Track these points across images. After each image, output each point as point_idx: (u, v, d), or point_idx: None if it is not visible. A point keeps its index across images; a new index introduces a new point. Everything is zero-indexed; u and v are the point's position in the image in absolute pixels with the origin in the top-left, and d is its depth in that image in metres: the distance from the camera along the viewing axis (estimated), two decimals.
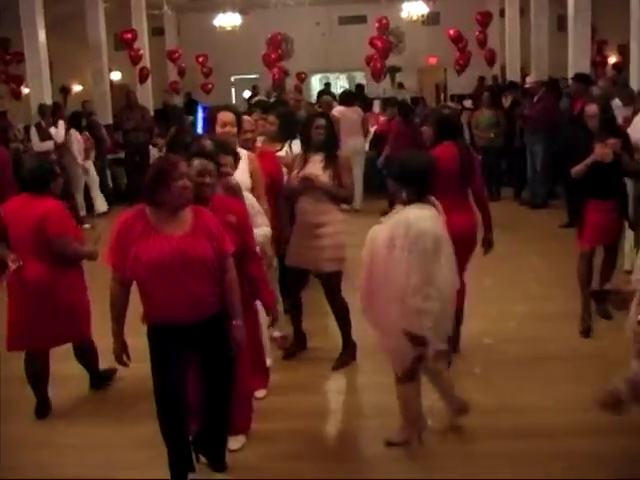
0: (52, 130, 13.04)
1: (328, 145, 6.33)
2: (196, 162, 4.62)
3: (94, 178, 13.72)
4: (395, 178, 4.69)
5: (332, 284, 6.25)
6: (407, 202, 4.56)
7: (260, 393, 5.54)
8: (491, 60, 20.44)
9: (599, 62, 20.64)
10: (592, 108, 6.91)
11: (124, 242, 4.21)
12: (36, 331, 5.46)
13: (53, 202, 5.50)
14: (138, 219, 4.26)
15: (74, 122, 13.50)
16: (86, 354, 5.98)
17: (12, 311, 5.55)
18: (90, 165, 13.58)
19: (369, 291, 4.65)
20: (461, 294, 5.62)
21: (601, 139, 6.41)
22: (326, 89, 19.23)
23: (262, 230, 5.41)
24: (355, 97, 14.19)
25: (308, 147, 6.38)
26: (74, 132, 13.20)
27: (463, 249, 5.58)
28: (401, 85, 22.38)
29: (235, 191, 5.23)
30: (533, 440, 4.92)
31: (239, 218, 4.78)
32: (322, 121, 6.44)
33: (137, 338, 4.45)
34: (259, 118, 7.53)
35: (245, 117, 6.63)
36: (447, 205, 4.96)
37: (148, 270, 4.17)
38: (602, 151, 6.36)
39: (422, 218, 4.49)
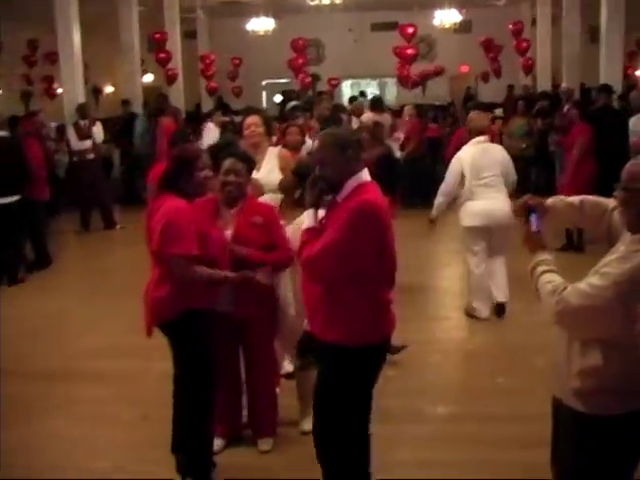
0: (94, 129, 13.07)
1: None
2: (226, 161, 4.65)
3: None
4: None
5: None
6: None
7: None
8: (529, 69, 20.27)
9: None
10: None
11: (197, 230, 4.24)
12: None
13: None
14: (193, 207, 4.33)
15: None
16: None
17: None
18: None
19: None
20: None
21: None
22: (355, 97, 19.08)
23: None
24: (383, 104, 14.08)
25: None
26: (213, 126, 13.15)
27: None
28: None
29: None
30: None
31: (265, 218, 4.76)
32: None
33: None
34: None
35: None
36: None
37: (218, 253, 4.37)
38: None
39: None
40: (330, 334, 3.69)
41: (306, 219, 3.77)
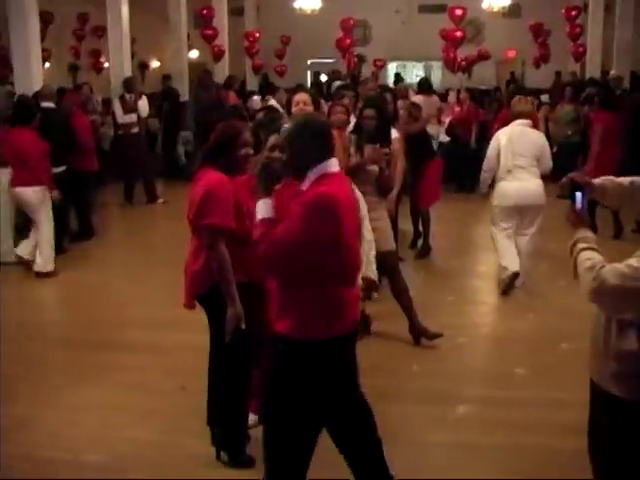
0: (140, 103, 13.13)
1: (379, 136, 6.31)
2: (272, 137, 4.65)
3: None
4: None
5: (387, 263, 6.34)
6: None
7: None
8: (580, 55, 19.91)
9: None
10: None
11: (236, 203, 4.27)
12: None
13: None
14: (234, 182, 4.34)
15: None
16: None
17: None
18: None
19: None
20: None
21: None
22: (398, 79, 19.00)
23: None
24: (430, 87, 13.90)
25: (360, 137, 6.36)
26: (275, 103, 13.04)
27: None
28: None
29: None
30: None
31: None
32: (371, 111, 6.40)
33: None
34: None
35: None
36: None
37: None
38: None
39: None
40: (281, 326, 3.57)
41: (260, 209, 3.60)
